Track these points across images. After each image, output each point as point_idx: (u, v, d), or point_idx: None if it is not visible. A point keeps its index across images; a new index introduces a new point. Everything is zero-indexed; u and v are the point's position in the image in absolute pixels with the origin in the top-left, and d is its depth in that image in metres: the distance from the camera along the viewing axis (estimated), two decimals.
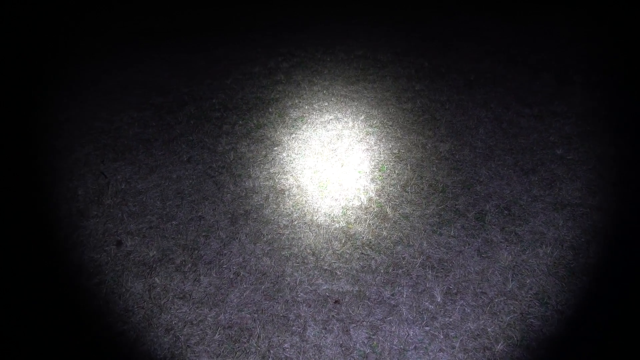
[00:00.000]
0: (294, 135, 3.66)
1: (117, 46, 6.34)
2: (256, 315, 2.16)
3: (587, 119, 3.71)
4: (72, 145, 3.66)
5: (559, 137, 3.47)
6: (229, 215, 2.82)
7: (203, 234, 2.69)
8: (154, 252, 2.55)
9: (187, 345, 2.03)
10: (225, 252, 2.55)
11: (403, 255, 2.46)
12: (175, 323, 2.14)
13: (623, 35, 5.69)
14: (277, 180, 3.12)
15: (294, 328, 2.09)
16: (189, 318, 2.16)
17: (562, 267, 2.33)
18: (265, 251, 2.54)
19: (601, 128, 3.56)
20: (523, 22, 6.51)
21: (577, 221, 2.64)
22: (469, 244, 2.52)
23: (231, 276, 2.38)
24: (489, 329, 2.04)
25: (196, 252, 2.55)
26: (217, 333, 2.08)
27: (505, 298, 2.19)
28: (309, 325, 2.10)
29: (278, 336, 2.05)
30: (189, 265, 2.47)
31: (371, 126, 3.74)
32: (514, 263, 2.38)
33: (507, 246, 2.49)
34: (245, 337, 2.05)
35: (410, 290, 2.26)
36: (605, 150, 3.27)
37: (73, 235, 2.71)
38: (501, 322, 2.07)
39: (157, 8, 8.41)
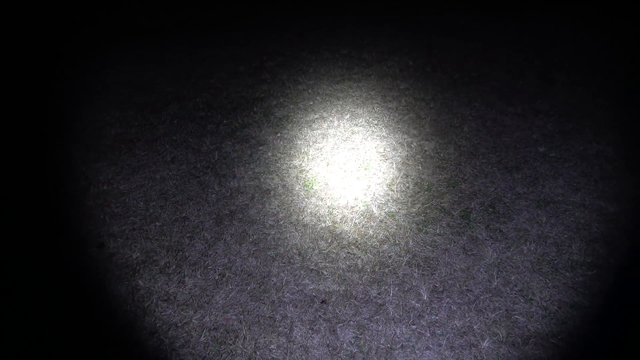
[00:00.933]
0: (279, 135, 3.63)
1: (100, 45, 6.24)
2: (242, 316, 2.14)
3: (569, 116, 3.76)
4: (52, 146, 3.58)
5: (542, 134, 3.51)
6: (214, 216, 2.79)
7: (187, 235, 2.65)
8: (137, 254, 2.51)
9: (172, 349, 2.00)
10: (210, 253, 2.52)
11: (389, 254, 2.46)
12: (159, 326, 2.11)
13: (605, 34, 5.78)
14: (262, 180, 3.09)
15: (280, 329, 2.08)
16: (174, 320, 2.13)
17: (546, 264, 2.36)
18: (251, 251, 2.51)
19: (583, 125, 3.61)
20: (507, 21, 6.57)
21: (560, 218, 2.67)
22: (454, 242, 2.53)
23: (216, 277, 2.36)
24: (474, 326, 2.05)
25: (180, 253, 2.52)
26: (203, 335, 2.05)
27: (491, 295, 2.21)
28: (296, 326, 2.09)
29: (264, 337, 2.04)
30: (173, 267, 2.43)
31: (356, 125, 3.73)
32: (499, 260, 2.40)
33: (492, 243, 2.51)
34: (231, 339, 2.03)
35: (396, 288, 2.26)
36: (587, 147, 3.32)
37: (54, 238, 2.65)
38: (487, 319, 2.09)
39: (141, 6, 8.29)
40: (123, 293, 2.28)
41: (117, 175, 3.20)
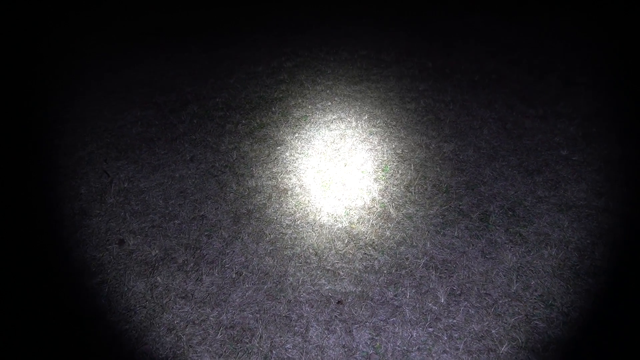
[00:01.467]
0: (297, 135, 3.64)
1: (121, 45, 6.35)
2: (258, 315, 2.15)
3: (592, 120, 3.68)
4: (75, 144, 3.66)
5: (564, 138, 3.45)
6: (232, 215, 2.81)
7: (205, 233, 2.68)
8: (156, 251, 2.54)
9: (189, 345, 2.01)
10: (227, 251, 2.54)
11: (406, 256, 2.44)
12: (177, 323, 2.13)
13: (628, 37, 5.65)
14: (279, 180, 3.11)
15: (296, 328, 2.08)
16: (191, 318, 2.15)
17: (567, 269, 2.31)
18: (268, 251, 2.52)
19: (606, 129, 3.53)
20: (528, 23, 6.48)
21: (583, 222, 2.62)
22: (472, 245, 2.50)
23: (233, 276, 2.37)
24: (493, 331, 2.02)
25: (198, 251, 2.54)
26: (219, 333, 2.07)
27: (510, 299, 2.17)
28: (312, 326, 2.08)
29: (280, 336, 2.04)
30: (191, 264, 2.46)
31: (374, 126, 3.72)
32: (519, 264, 2.36)
33: (512, 247, 2.47)
34: (248, 337, 2.04)
35: (413, 291, 2.24)
36: (611, 151, 3.25)
37: (76, 233, 2.71)
38: (505, 323, 2.05)
39: (161, 7, 8.42)
40: (142, 289, 2.31)
41: (138, 173, 3.25)
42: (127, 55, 5.86)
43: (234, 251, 2.53)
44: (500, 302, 2.16)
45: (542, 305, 2.13)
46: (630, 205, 2.72)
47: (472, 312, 2.12)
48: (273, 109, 4.09)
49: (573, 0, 7.30)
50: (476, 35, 6.02)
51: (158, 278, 2.37)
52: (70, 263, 2.51)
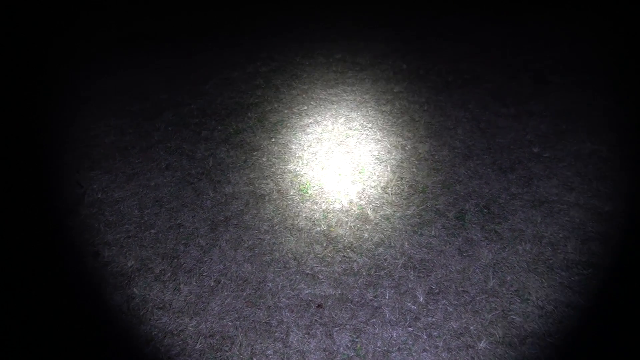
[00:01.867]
0: (273, 140, 3.64)
1: (95, 52, 6.25)
2: (238, 322, 2.13)
3: (563, 117, 3.77)
4: (47, 154, 3.58)
5: (536, 135, 3.52)
6: (209, 222, 2.79)
7: (182, 241, 2.65)
8: (132, 262, 2.50)
9: (168, 357, 1.99)
10: (205, 259, 2.51)
11: (385, 257, 2.46)
12: (155, 334, 2.10)
13: (598, 36, 5.81)
14: (257, 185, 3.09)
15: (276, 334, 2.07)
16: (169, 328, 2.12)
17: (541, 263, 2.36)
18: (246, 257, 2.51)
19: (577, 126, 3.62)
20: (501, 23, 6.60)
21: (555, 217, 2.67)
22: (449, 244, 2.53)
23: (212, 284, 2.35)
24: (471, 327, 2.05)
25: (176, 260, 2.51)
26: (199, 343, 2.04)
27: (487, 296, 2.20)
28: (292, 331, 2.08)
29: (261, 343, 2.03)
30: (169, 274, 2.42)
31: (351, 129, 3.74)
32: (495, 261, 2.40)
33: (488, 244, 2.51)
34: (227, 346, 2.02)
35: (392, 291, 2.25)
36: (581, 147, 3.33)
37: (48, 247, 2.64)
38: (483, 319, 2.08)
39: (135, 14, 8.31)
40: (118, 302, 2.27)
41: (112, 183, 3.20)
42: (101, 63, 5.76)
43: (212, 259, 2.51)
44: (478, 298, 2.19)
45: (518, 300, 2.17)
46: (601, 199, 2.79)
47: (451, 309, 2.15)
48: (249, 115, 4.07)
49: (543, 2, 7.48)
50: (449, 35, 6.11)
51: (134, 289, 2.33)
52: (45, 277, 2.45)
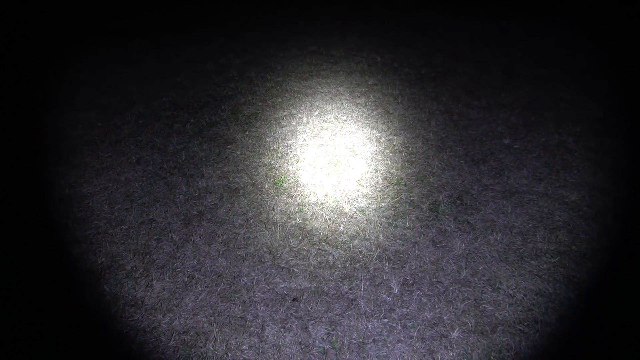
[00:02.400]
0: (247, 133, 3.59)
1: (61, 45, 6.02)
2: (212, 318, 2.11)
3: (532, 109, 3.86)
4: (9, 150, 3.44)
5: (506, 127, 3.59)
6: (182, 217, 2.74)
7: (155, 237, 2.59)
8: (103, 259, 2.44)
9: (141, 354, 1.95)
10: (178, 255, 2.47)
11: (360, 249, 2.47)
12: (127, 332, 2.05)
13: (565, 30, 5.96)
14: (231, 179, 3.05)
15: (252, 329, 2.06)
16: (142, 326, 2.08)
17: (512, 253, 2.42)
18: (221, 252, 2.48)
19: (545, 118, 3.72)
20: (472, 17, 6.69)
21: (525, 207, 2.74)
22: (423, 235, 2.56)
23: (185, 279, 2.31)
24: (444, 317, 2.08)
25: (148, 256, 2.46)
26: (172, 339, 2.01)
27: (460, 285, 2.24)
28: (267, 325, 2.07)
29: (236, 338, 2.01)
30: (141, 270, 2.37)
31: (325, 121, 3.73)
32: (467, 251, 2.44)
33: (460, 235, 2.55)
34: (202, 342, 2.00)
35: (367, 283, 2.27)
36: (549, 138, 3.42)
37: (13, 246, 2.54)
38: (456, 309, 2.12)
39: (105, 5, 8.05)
40: (88, 300, 2.21)
41: (80, 178, 3.10)
42: (67, 56, 5.56)
43: (185, 254, 2.47)
44: (451, 288, 2.23)
45: (489, 289, 2.22)
46: (567, 189, 2.87)
47: (425, 300, 2.18)
48: (222, 107, 4.01)
49: None
50: (423, 29, 6.16)
51: (105, 287, 2.27)
52: (11, 277, 2.36)
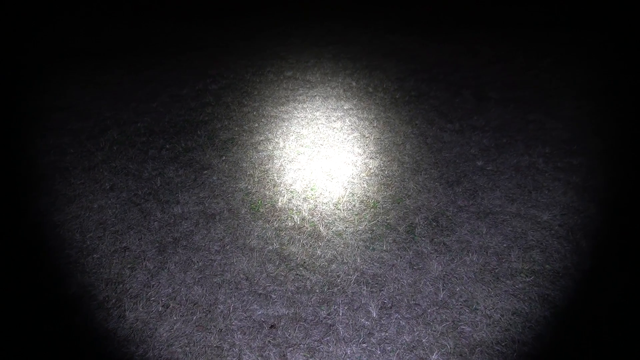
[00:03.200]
0: (223, 158, 3.58)
1: (34, 67, 5.94)
2: (187, 348, 2.05)
3: (503, 131, 3.97)
4: None
5: (479, 149, 3.68)
6: (157, 244, 2.68)
7: (128, 265, 2.53)
8: (74, 289, 2.36)
9: None
10: (152, 283, 2.41)
11: (338, 273, 2.46)
12: None
13: (532, 54, 6.21)
14: (207, 205, 3.02)
15: (228, 358, 2.01)
16: (114, 358, 2.00)
17: (488, 273, 2.44)
18: (196, 279, 2.43)
19: (515, 139, 3.82)
20: (443, 43, 6.91)
21: (499, 228, 2.79)
22: (401, 257, 2.57)
23: (160, 309, 2.25)
24: (423, 340, 2.08)
25: (121, 286, 2.39)
26: None
27: (438, 307, 2.25)
28: (244, 354, 2.02)
29: None
30: (113, 300, 2.30)
31: (302, 146, 3.75)
32: (444, 273, 2.46)
33: (437, 256, 2.57)
34: None
35: (346, 307, 2.25)
36: (520, 159, 3.51)
37: None
38: (435, 331, 2.12)
39: (79, 28, 8.01)
40: (58, 332, 2.13)
41: (51, 206, 3.02)
42: (38, 80, 5.48)
43: (159, 282, 2.41)
44: (429, 310, 2.23)
45: (467, 310, 2.23)
46: (539, 209, 2.94)
47: (403, 323, 2.17)
48: (198, 132, 4.00)
49: (485, 22, 7.92)
50: (396, 54, 6.32)
51: (76, 318, 2.19)
52: None
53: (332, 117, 4.28)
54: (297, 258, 2.56)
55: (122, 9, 9.02)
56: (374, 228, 2.80)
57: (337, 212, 2.94)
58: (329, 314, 2.22)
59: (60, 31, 7.80)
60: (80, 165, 3.50)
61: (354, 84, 5.16)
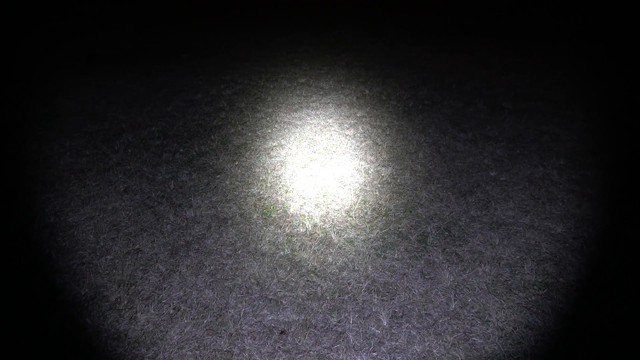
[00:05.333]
0: (236, 163, 3.60)
1: (51, 71, 6.04)
2: (198, 352, 2.05)
3: (516, 142, 3.95)
4: None
5: (492, 159, 3.66)
6: (169, 247, 2.70)
7: (140, 267, 2.55)
8: (86, 290, 2.38)
9: None
10: (164, 286, 2.42)
11: (349, 281, 2.45)
12: None
13: (545, 64, 6.19)
14: (219, 209, 3.04)
15: None
16: None
17: (500, 284, 2.42)
18: (208, 283, 2.44)
19: (529, 150, 3.80)
20: (457, 53, 6.91)
21: (512, 239, 2.76)
22: (412, 266, 2.56)
23: (171, 311, 2.26)
24: (434, 350, 2.06)
25: (133, 287, 2.41)
26: None
27: (449, 318, 2.23)
28: (254, 359, 2.02)
29: None
30: (125, 302, 2.32)
31: (314, 152, 3.76)
32: (456, 283, 2.44)
33: (449, 267, 2.56)
34: None
35: (356, 315, 2.24)
36: (534, 171, 3.49)
37: None
38: (445, 342, 2.10)
39: (95, 33, 8.15)
40: (70, 333, 2.14)
41: (65, 207, 3.05)
42: (56, 83, 5.57)
43: (171, 285, 2.42)
44: (440, 321, 2.21)
45: (479, 322, 2.20)
46: (553, 221, 2.91)
47: (414, 333, 2.15)
48: (212, 137, 4.03)
49: (495, 33, 7.91)
50: (409, 63, 6.33)
51: (87, 319, 2.21)
52: None
53: (345, 125, 4.29)
54: (308, 264, 2.56)
55: (133, 14, 9.16)
56: (386, 236, 2.79)
57: (348, 219, 2.94)
58: (339, 322, 2.21)
59: (73, 36, 7.94)
60: (95, 167, 3.54)
61: (367, 91, 5.17)
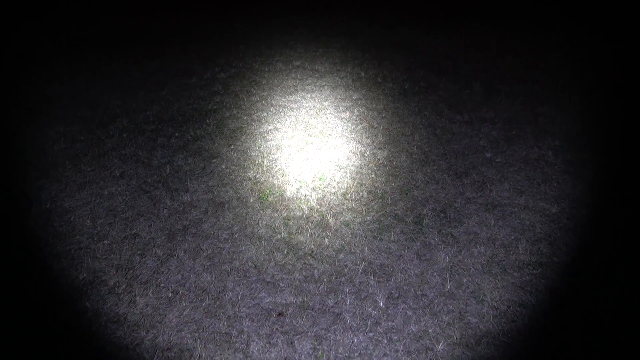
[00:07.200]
0: (232, 147, 3.59)
1: (43, 57, 5.96)
2: (197, 334, 2.08)
3: (512, 123, 3.95)
4: None
5: (488, 141, 3.67)
6: (166, 232, 2.71)
7: (138, 252, 2.56)
8: (84, 275, 2.39)
9: None
10: (162, 270, 2.44)
11: (345, 263, 2.47)
12: (109, 349, 2.01)
13: (541, 47, 6.15)
14: (216, 193, 3.04)
15: (237, 344, 2.03)
16: (124, 343, 2.04)
17: (495, 265, 2.45)
18: (205, 267, 2.45)
19: (525, 132, 3.80)
20: (454, 35, 6.85)
21: (507, 220, 2.79)
22: (408, 248, 2.58)
23: (169, 295, 2.28)
24: (430, 330, 2.10)
25: (131, 272, 2.42)
26: (156, 356, 1.98)
27: (444, 298, 2.26)
28: (253, 341, 2.05)
29: (220, 354, 1.99)
30: (124, 286, 2.33)
31: (310, 135, 3.75)
32: (451, 264, 2.47)
33: (444, 248, 2.58)
34: (186, 358, 1.97)
35: (353, 297, 2.27)
36: (529, 152, 3.50)
37: None
38: (441, 322, 2.13)
39: (87, 17, 8.01)
40: (69, 317, 2.16)
41: (61, 192, 3.05)
42: (48, 68, 5.49)
43: (169, 269, 2.44)
44: (436, 301, 2.25)
45: (474, 302, 2.24)
46: (548, 202, 2.93)
47: (410, 313, 2.19)
48: (207, 121, 4.01)
49: (492, 16, 7.84)
50: (406, 46, 6.28)
51: (86, 303, 2.22)
52: None
53: (341, 107, 4.27)
54: (305, 247, 2.58)
55: None
56: (382, 218, 2.81)
57: (345, 202, 2.95)
58: (336, 303, 2.24)
59: (66, 21, 7.80)
60: (91, 152, 3.52)
61: (362, 74, 5.14)
